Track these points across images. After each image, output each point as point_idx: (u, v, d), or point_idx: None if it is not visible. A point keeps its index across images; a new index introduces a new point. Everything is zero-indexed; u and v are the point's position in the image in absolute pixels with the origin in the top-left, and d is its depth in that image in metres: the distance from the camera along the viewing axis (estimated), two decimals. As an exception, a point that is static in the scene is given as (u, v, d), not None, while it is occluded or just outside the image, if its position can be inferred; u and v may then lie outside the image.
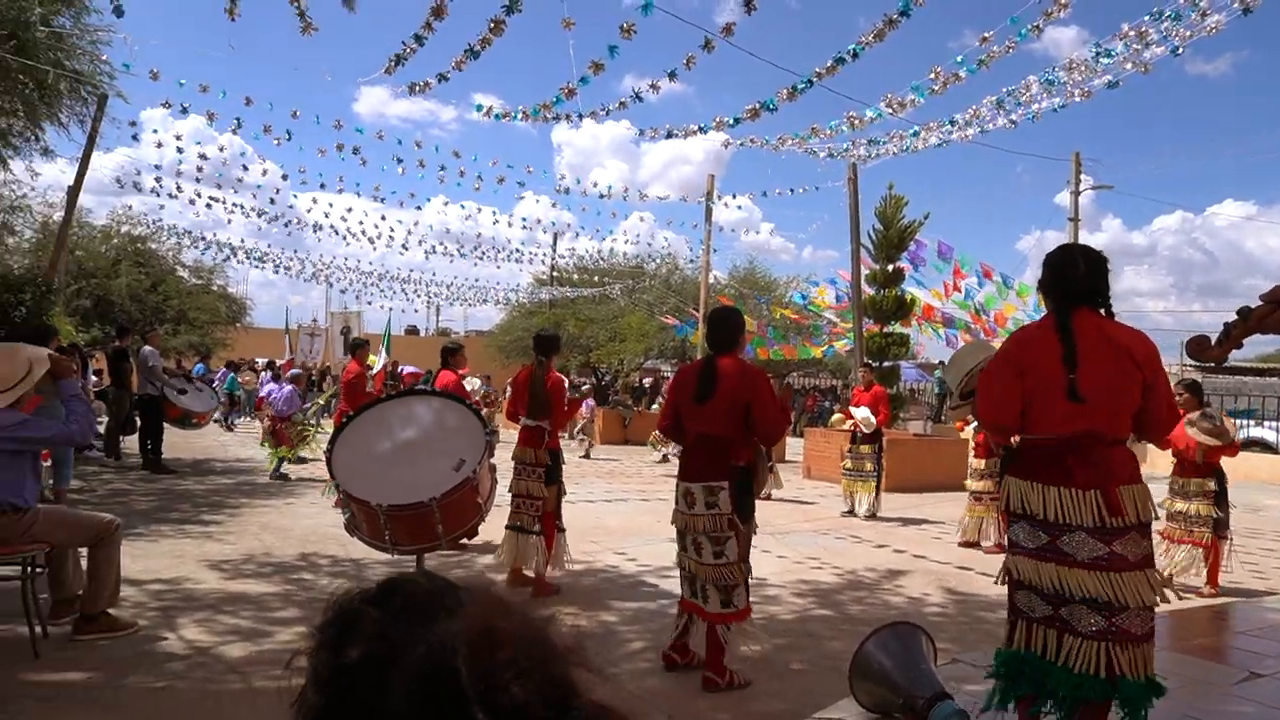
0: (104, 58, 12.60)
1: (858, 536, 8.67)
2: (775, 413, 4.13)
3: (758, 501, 4.35)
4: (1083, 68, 7.76)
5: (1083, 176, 22.45)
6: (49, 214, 21.97)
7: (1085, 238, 26.60)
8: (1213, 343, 2.59)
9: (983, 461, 8.17)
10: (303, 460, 12.30)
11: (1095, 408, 2.84)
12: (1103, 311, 2.99)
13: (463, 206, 27.92)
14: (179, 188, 17.15)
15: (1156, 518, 2.99)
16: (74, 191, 15.21)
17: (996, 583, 3.16)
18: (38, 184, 22.97)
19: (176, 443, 13.52)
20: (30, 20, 10.28)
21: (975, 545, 8.13)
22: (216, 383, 19.72)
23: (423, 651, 0.68)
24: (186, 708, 3.69)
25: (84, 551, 4.61)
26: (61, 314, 15.26)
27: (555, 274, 32.13)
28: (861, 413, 9.83)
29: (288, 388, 12.64)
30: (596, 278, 30.00)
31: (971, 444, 8.59)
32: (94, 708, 3.66)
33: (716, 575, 4.05)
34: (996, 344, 4.29)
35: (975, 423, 7.85)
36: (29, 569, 4.26)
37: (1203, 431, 6.31)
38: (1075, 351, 2.86)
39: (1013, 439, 3.13)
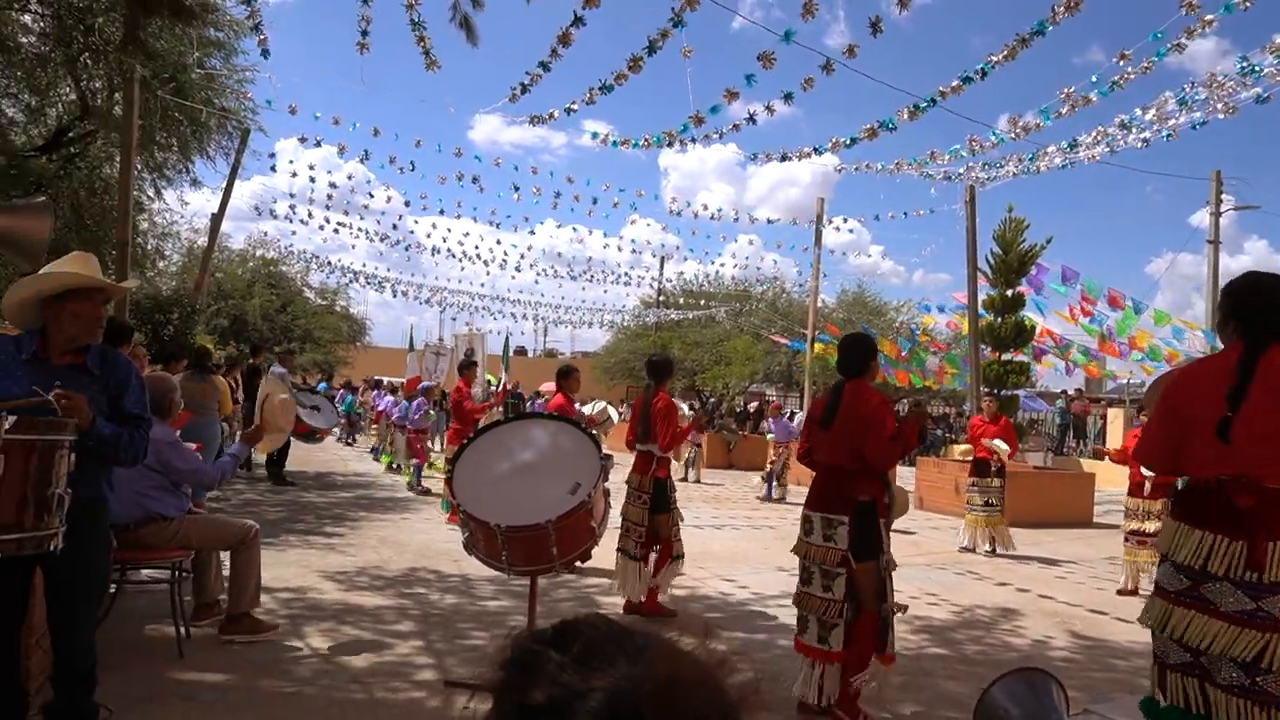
0: (249, 95, 13.56)
1: (976, 573, 8.31)
2: (884, 440, 3.97)
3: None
4: (1227, 83, 7.29)
5: (1224, 196, 21.06)
6: (194, 239, 23.68)
7: (1226, 261, 24.91)
8: None
9: (1158, 503, 7.26)
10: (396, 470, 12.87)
11: (1246, 450, 2.65)
12: None
13: (574, 230, 28.43)
14: (310, 214, 18.23)
15: None
16: (217, 219, 16.38)
17: (1142, 623, 2.99)
18: (185, 211, 24.84)
19: (300, 456, 14.26)
20: (187, 64, 11.17)
21: (1135, 594, 7.37)
22: (336, 401, 20.76)
23: (602, 699, 0.69)
24: (314, 714, 3.86)
25: (225, 558, 4.90)
26: (203, 332, 16.39)
27: (662, 297, 32.35)
28: (999, 444, 9.40)
29: (418, 400, 13.21)
30: (702, 301, 30.03)
31: (1146, 482, 7.54)
32: (230, 708, 3.88)
33: (819, 608, 3.98)
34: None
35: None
36: (176, 573, 4.57)
37: None
38: (1248, 389, 2.67)
39: (1178, 480, 2.97)
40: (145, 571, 4.98)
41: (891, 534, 4.21)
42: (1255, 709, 2.55)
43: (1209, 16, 6.18)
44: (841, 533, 3.95)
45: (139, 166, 12.15)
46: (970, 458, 10.15)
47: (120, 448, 3.08)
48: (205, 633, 4.79)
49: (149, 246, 16.76)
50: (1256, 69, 6.93)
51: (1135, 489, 7.58)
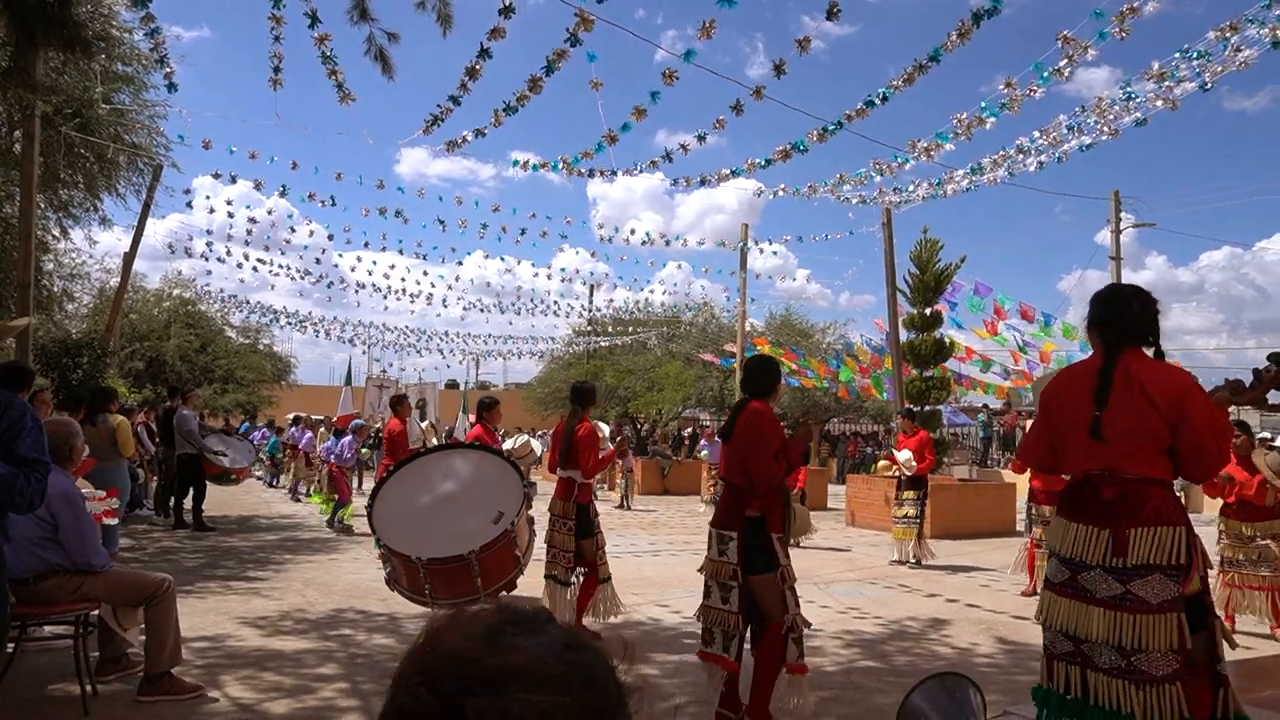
0: (160, 130, 13.20)
1: (905, 585, 8.48)
2: (767, 458, 4.04)
3: (795, 550, 4.31)
4: (1112, 108, 7.74)
5: (1124, 215, 22.18)
6: (105, 280, 22.80)
7: (1129, 276, 26.23)
8: (1246, 386, 2.57)
9: (1048, 508, 7.54)
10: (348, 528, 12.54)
11: (1113, 445, 2.86)
12: (1151, 352, 2.98)
13: (502, 259, 28.39)
14: (228, 251, 17.77)
15: (1211, 566, 2.90)
16: (129, 258, 15.83)
17: (1036, 618, 3.13)
18: (95, 251, 23.92)
19: (225, 499, 13.78)
20: (93, 98, 10.83)
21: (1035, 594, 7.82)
22: (258, 441, 20.10)
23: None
24: (230, 765, 3.71)
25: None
26: (116, 376, 15.75)
27: (593, 326, 32.41)
28: (904, 455, 9.69)
29: (346, 438, 12.92)
30: (632, 328, 30.19)
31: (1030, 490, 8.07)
32: (141, 765, 3.69)
33: (720, 620, 4.06)
34: None
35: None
36: (81, 627, 4.34)
37: (1274, 469, 6.11)
38: (1109, 390, 2.87)
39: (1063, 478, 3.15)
40: (48, 628, 4.73)
41: (802, 549, 4.28)
42: (1133, 688, 2.69)
43: (1086, 43, 6.56)
44: (732, 548, 4.02)
45: (42, 205, 11.68)
46: (889, 473, 10.47)
47: (16, 491, 2.93)
48: (113, 688, 4.57)
49: (55, 288, 16.07)
50: (1133, 95, 7.39)
51: (1036, 495, 7.95)
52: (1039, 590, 7.64)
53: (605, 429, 8.14)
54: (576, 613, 5.80)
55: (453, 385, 45.21)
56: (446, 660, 0.75)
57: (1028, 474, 8.09)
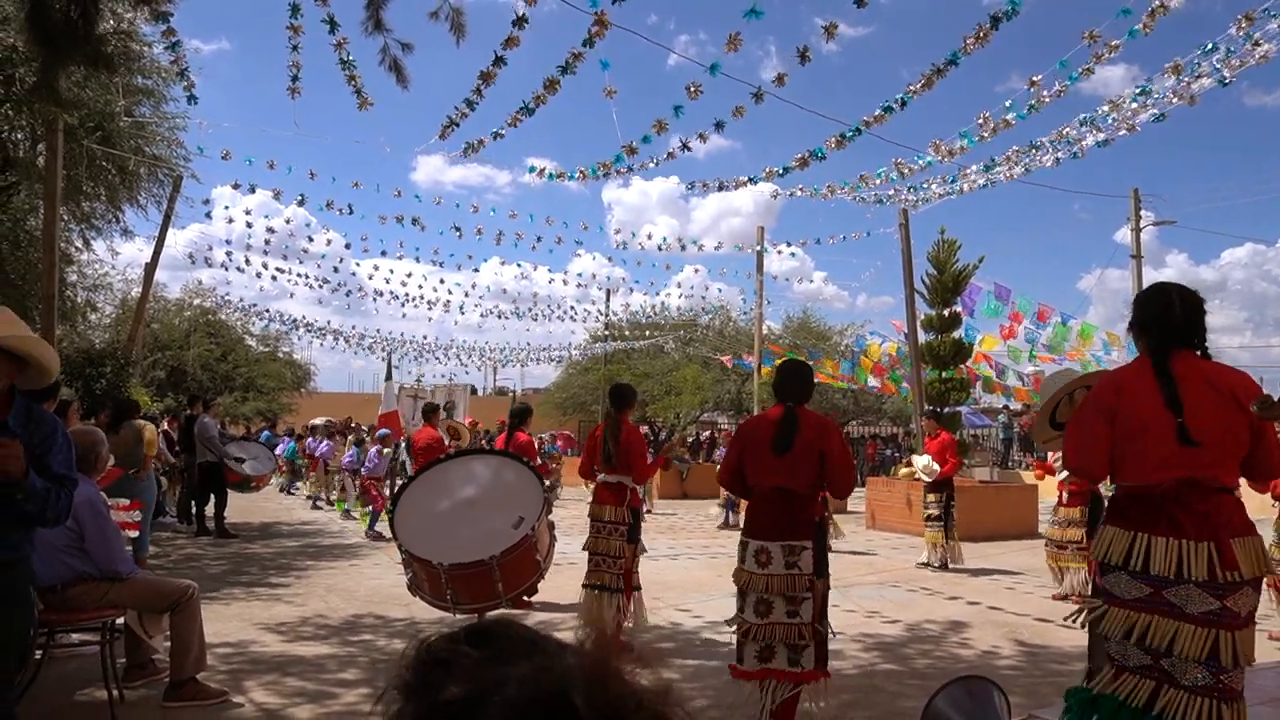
0: (180, 142, 13.38)
1: (927, 588, 8.42)
2: (849, 466, 4.08)
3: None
4: (1130, 104, 7.67)
5: (1143, 212, 21.97)
6: (127, 290, 23.09)
7: (1150, 274, 25.95)
8: (1275, 399, 2.54)
9: (1076, 510, 7.56)
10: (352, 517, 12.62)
11: (1200, 453, 2.71)
12: (1199, 353, 2.88)
13: (519, 265, 28.45)
14: (247, 260, 17.94)
15: (1274, 571, 2.85)
16: (151, 268, 16.02)
17: (1077, 624, 3.02)
18: (117, 262, 24.19)
19: (244, 507, 13.89)
20: (114, 111, 10.99)
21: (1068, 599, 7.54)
22: (279, 450, 20.23)
23: (516, 687, 0.68)
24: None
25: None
26: (139, 385, 15.93)
27: (609, 330, 32.48)
28: (922, 460, 9.63)
29: (373, 449, 12.99)
30: (649, 332, 30.20)
31: (1064, 491, 7.83)
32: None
33: (787, 634, 3.94)
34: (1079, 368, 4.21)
35: (1064, 469, 7.44)
36: (108, 634, 4.40)
37: None
38: (1178, 394, 2.74)
39: (1101, 487, 3.06)
40: (75, 635, 4.79)
41: (834, 554, 4.27)
42: (1223, 705, 2.61)
43: (1115, 42, 6.52)
44: (806, 557, 3.94)
45: (65, 217, 11.86)
46: (914, 477, 10.38)
47: (48, 506, 2.97)
48: (140, 694, 4.62)
49: (79, 299, 16.31)
50: (1146, 90, 7.32)
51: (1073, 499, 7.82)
52: (1069, 595, 7.59)
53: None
54: (619, 625, 5.74)
55: (471, 391, 45.37)
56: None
57: (1063, 477, 7.91)
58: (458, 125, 7.71)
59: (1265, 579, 6.07)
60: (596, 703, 0.68)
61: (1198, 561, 2.63)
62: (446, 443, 10.24)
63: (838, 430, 4.18)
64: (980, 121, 7.84)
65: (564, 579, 7.11)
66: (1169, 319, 2.87)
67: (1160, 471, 2.74)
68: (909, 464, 10.18)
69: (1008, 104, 7.77)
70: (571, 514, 11.02)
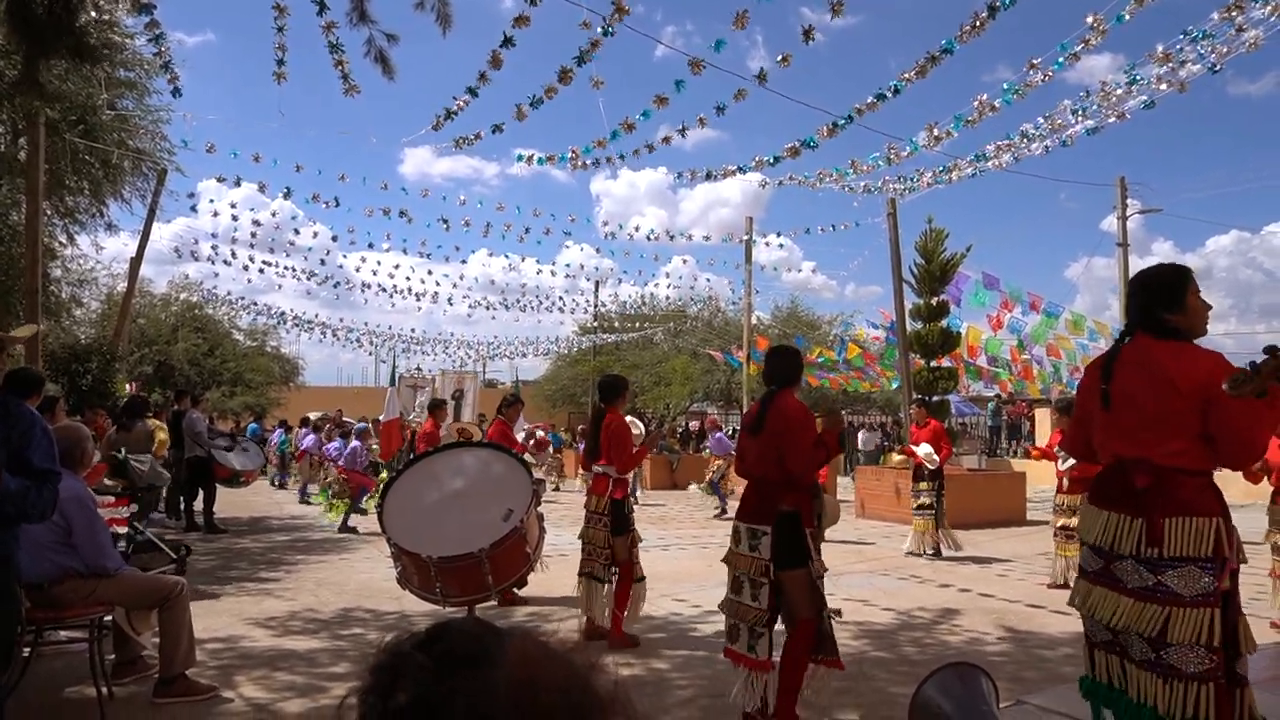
0: (164, 135, 13.26)
1: (917, 576, 8.47)
2: (805, 449, 4.00)
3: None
4: (1117, 91, 7.70)
5: (1129, 200, 22.08)
6: (113, 285, 22.91)
7: (1136, 262, 26.05)
8: (1245, 379, 2.54)
9: (1076, 497, 7.29)
10: (363, 511, 12.54)
11: (1132, 433, 2.83)
12: (1162, 332, 2.87)
13: (507, 257, 28.34)
14: (233, 254, 17.83)
15: (1244, 560, 2.83)
16: (136, 263, 15.90)
17: (1071, 604, 3.09)
18: (102, 256, 23.99)
19: (235, 501, 13.83)
20: (97, 105, 10.87)
21: (1065, 587, 7.38)
22: (271, 443, 20.14)
23: (464, 702, 0.70)
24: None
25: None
26: (125, 380, 15.84)
27: (599, 322, 32.42)
28: (924, 449, 9.66)
29: (355, 443, 12.94)
30: (638, 323, 30.20)
31: (1063, 479, 7.77)
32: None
33: (748, 616, 4.00)
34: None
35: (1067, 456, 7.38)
36: (96, 630, 4.37)
37: None
38: (1110, 380, 2.92)
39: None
40: (63, 632, 4.76)
41: (823, 542, 4.25)
42: (1159, 682, 2.64)
43: (1103, 26, 6.54)
44: (765, 543, 3.95)
45: (48, 212, 11.73)
46: (906, 465, 10.42)
47: (28, 504, 2.94)
48: (129, 691, 4.60)
49: (63, 294, 16.15)
50: (1134, 78, 7.35)
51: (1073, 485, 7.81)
52: (1058, 580, 7.62)
53: (640, 426, 8.02)
54: (614, 615, 5.74)
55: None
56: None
57: (1066, 462, 7.84)
58: (455, 115, 7.65)
59: (1270, 568, 6.10)
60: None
61: (1130, 537, 2.76)
62: None
63: (799, 413, 4.07)
64: (976, 104, 7.82)
65: (553, 571, 7.12)
66: (1129, 306, 3.06)
67: (1103, 450, 2.97)
68: (908, 452, 10.18)
69: (1005, 86, 7.76)
70: (574, 507, 10.98)
